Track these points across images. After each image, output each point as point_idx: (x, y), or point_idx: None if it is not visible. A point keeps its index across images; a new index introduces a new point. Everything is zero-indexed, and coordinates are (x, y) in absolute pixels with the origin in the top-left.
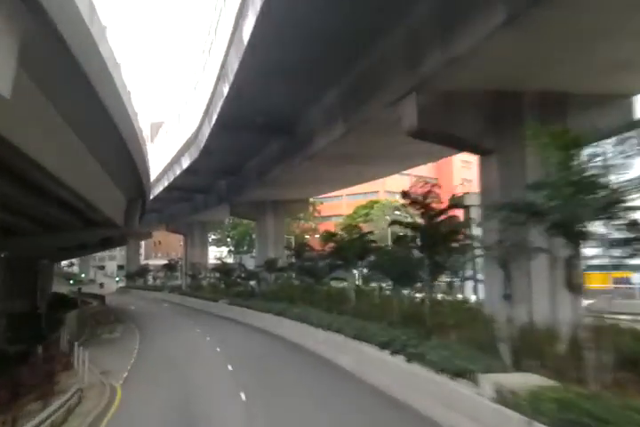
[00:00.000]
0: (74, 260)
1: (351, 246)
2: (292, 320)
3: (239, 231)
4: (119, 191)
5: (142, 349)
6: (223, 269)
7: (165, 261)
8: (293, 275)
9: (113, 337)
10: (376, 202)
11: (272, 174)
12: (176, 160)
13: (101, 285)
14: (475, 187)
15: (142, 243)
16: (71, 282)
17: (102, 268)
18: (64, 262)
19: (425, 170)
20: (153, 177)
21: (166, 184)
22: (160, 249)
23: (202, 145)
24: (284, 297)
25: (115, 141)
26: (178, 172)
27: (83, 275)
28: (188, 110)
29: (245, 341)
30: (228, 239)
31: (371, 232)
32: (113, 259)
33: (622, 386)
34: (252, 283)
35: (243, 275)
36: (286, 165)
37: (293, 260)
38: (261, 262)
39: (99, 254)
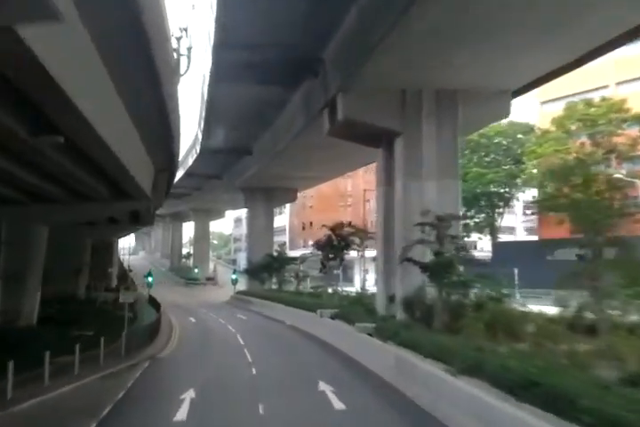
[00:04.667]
0: (190, 250)
1: None
2: None
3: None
4: (148, 157)
5: None
6: None
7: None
8: None
9: None
10: None
11: None
12: None
13: (151, 284)
14: None
15: (286, 228)
16: (150, 280)
17: (234, 262)
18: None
19: None
20: None
21: None
22: (310, 235)
23: None
24: None
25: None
26: None
27: (196, 270)
28: None
29: None
30: None
31: None
32: None
33: None
34: None
35: None
36: None
37: None
38: None
39: (233, 245)
